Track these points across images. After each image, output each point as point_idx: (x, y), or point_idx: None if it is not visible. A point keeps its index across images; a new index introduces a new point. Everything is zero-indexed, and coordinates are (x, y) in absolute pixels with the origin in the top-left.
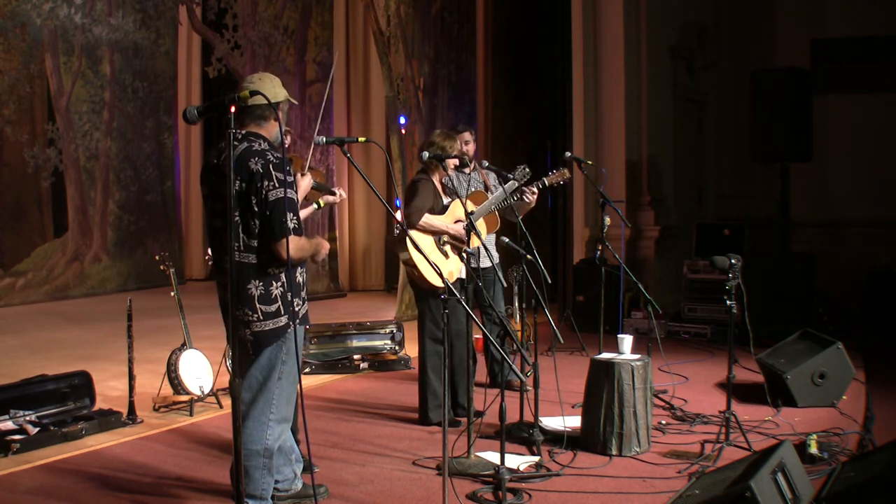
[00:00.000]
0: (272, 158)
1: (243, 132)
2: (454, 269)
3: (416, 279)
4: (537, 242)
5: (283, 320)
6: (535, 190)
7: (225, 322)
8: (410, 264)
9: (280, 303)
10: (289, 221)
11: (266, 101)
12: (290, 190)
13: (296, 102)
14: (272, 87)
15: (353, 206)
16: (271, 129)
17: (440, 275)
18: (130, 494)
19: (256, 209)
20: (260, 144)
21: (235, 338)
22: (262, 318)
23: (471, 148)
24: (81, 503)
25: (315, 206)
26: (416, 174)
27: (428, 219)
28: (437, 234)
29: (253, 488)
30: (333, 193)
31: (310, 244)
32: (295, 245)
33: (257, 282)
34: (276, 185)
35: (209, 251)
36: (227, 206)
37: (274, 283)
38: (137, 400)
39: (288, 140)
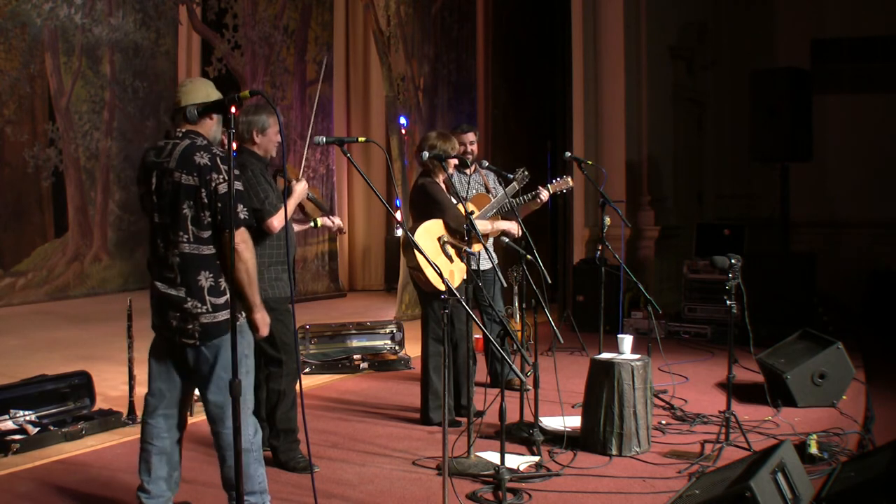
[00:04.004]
0: (217, 152)
1: (183, 131)
2: (457, 271)
3: (421, 283)
4: (537, 242)
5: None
6: (548, 193)
7: (163, 315)
8: (416, 268)
9: (228, 295)
10: (240, 212)
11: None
12: (237, 182)
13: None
14: (206, 91)
15: (353, 206)
16: (208, 128)
17: (440, 276)
18: (130, 494)
19: (206, 201)
20: (201, 140)
21: (233, 337)
22: (210, 309)
23: (475, 149)
24: (81, 503)
25: (311, 224)
26: (420, 177)
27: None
28: (486, 235)
29: (251, 485)
30: (331, 214)
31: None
32: (246, 236)
33: (207, 273)
34: (226, 177)
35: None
36: (228, 202)
37: (224, 274)
38: (137, 400)
39: None
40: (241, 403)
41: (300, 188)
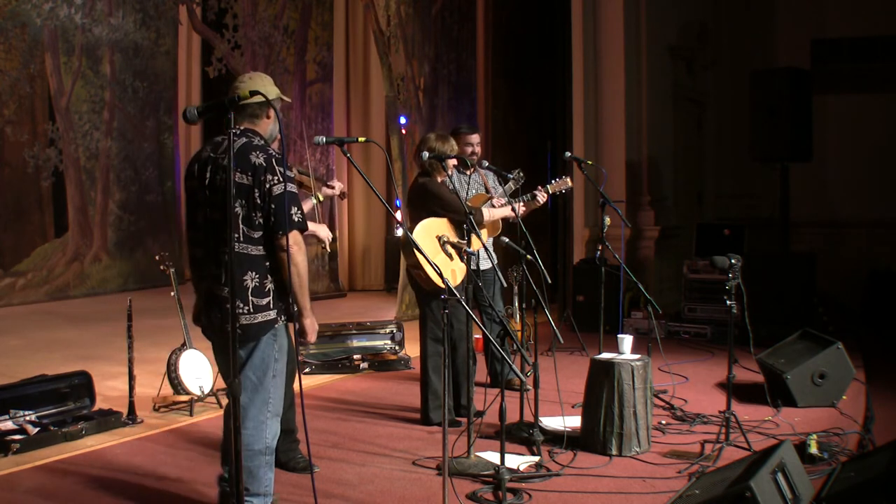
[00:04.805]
0: (273, 153)
1: (240, 128)
2: (457, 269)
3: (422, 281)
4: (537, 242)
5: (272, 314)
6: (546, 194)
7: (208, 315)
8: (416, 267)
9: (271, 297)
10: (294, 215)
11: (262, 100)
12: (291, 184)
13: (287, 100)
14: (263, 86)
15: (353, 206)
16: (265, 127)
17: (440, 275)
18: (130, 495)
19: (259, 202)
20: (258, 140)
21: (233, 333)
22: (252, 310)
23: (478, 150)
24: (81, 503)
25: (313, 200)
26: (419, 177)
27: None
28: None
29: (257, 487)
30: (327, 181)
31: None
32: (299, 238)
33: (253, 273)
34: (280, 179)
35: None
36: (228, 202)
37: (269, 276)
38: (137, 400)
39: None
40: (261, 405)
41: (322, 233)
